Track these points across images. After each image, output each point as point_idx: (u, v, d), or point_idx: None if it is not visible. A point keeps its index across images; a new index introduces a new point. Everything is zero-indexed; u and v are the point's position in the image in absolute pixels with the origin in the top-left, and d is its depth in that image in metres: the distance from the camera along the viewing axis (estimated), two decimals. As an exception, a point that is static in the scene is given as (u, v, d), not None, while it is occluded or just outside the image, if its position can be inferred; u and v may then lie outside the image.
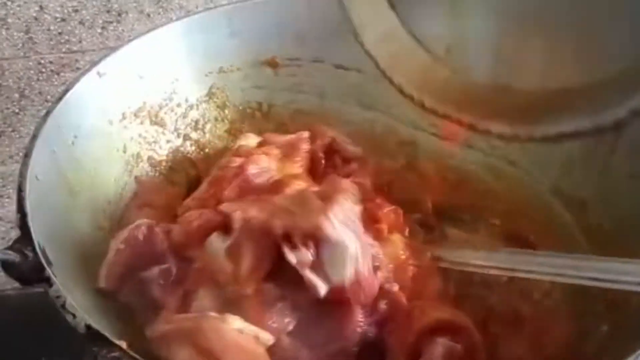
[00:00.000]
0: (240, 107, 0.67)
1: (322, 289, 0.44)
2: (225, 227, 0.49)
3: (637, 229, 0.49)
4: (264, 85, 0.67)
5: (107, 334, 0.36)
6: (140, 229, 0.50)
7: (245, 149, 0.58)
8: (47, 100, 0.79)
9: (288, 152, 0.58)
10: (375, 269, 0.46)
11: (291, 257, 0.44)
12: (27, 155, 0.47)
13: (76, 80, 0.55)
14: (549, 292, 0.51)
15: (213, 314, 0.44)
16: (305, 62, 0.67)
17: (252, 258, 0.46)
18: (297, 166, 0.58)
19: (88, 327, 0.36)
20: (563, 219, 0.56)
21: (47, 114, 0.51)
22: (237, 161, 0.55)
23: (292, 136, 0.60)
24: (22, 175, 0.46)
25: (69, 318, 0.37)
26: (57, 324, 0.38)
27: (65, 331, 0.37)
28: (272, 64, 0.67)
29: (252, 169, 0.54)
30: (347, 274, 0.43)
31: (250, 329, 0.44)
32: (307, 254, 0.44)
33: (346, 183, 0.50)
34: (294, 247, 0.44)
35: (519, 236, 0.58)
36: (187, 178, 0.63)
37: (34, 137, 0.49)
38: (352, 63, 0.66)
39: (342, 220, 0.44)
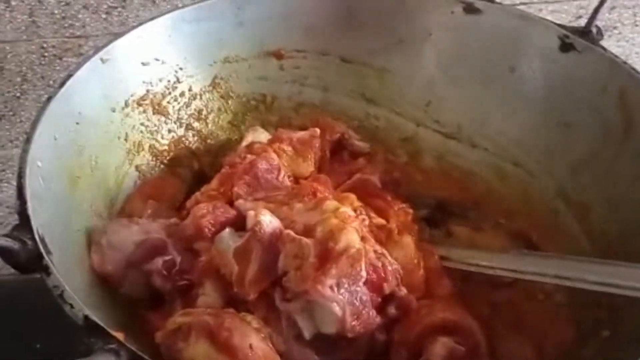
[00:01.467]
0: (244, 99, 0.66)
1: (308, 334, 0.44)
2: (236, 224, 0.49)
3: (641, 234, 0.49)
4: (269, 76, 0.66)
5: (104, 325, 0.35)
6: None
7: (258, 145, 0.57)
8: (49, 85, 0.78)
9: (300, 149, 0.58)
10: (382, 280, 0.45)
11: (280, 305, 0.45)
12: (27, 141, 0.46)
13: (79, 66, 0.54)
14: (552, 293, 0.50)
15: (232, 310, 0.44)
16: (310, 55, 0.66)
17: (258, 266, 0.45)
18: (309, 164, 0.58)
19: (86, 317, 0.36)
20: (567, 221, 0.55)
21: (49, 99, 0.50)
22: (248, 158, 0.54)
23: (304, 133, 0.59)
24: (22, 162, 0.45)
25: (67, 308, 0.37)
26: (54, 311, 0.37)
27: (62, 319, 0.37)
28: (278, 55, 0.66)
29: (262, 166, 0.54)
30: (334, 330, 0.43)
31: (267, 330, 0.44)
32: (297, 306, 0.44)
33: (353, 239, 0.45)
34: (285, 298, 0.45)
35: (523, 236, 0.57)
36: (191, 171, 0.62)
37: (35, 123, 0.48)
38: (357, 57, 0.65)
39: (336, 283, 0.43)
